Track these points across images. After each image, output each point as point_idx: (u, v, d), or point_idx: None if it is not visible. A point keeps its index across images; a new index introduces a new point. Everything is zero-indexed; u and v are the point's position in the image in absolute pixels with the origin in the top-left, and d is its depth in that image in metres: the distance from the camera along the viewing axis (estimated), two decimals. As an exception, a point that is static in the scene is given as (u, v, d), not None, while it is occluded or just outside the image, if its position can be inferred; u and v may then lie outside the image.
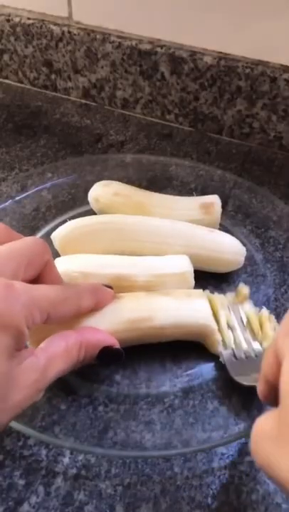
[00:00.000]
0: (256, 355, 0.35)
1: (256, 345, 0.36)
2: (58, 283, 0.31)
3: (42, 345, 0.27)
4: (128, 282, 0.37)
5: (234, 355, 0.35)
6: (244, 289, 0.39)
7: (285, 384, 0.20)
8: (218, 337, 0.35)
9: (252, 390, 0.31)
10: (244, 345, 0.36)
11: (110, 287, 0.34)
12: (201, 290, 0.38)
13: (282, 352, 0.22)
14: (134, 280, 0.37)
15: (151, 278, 0.37)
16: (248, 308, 0.38)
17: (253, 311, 0.38)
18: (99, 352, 0.30)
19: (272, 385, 0.23)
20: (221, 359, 0.35)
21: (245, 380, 0.33)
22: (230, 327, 0.37)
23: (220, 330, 0.36)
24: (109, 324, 0.33)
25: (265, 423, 0.21)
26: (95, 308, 0.32)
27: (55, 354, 0.27)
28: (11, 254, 0.27)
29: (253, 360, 0.35)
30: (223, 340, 0.36)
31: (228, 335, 0.36)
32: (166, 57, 0.59)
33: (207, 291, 0.38)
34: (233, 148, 0.62)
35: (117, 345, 0.31)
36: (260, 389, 0.26)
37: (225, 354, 0.35)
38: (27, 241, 0.29)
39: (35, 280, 0.29)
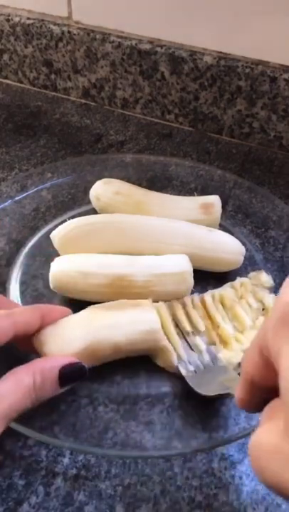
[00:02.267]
0: (213, 362, 0.35)
1: (212, 352, 0.36)
2: None
3: None
4: (127, 282, 0.37)
5: (192, 368, 0.35)
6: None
7: (288, 384, 0.17)
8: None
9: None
10: (204, 357, 0.35)
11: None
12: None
13: (274, 347, 0.18)
14: (133, 280, 0.37)
15: (151, 277, 0.37)
16: (261, 295, 0.39)
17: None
18: (59, 373, 0.29)
19: (259, 387, 0.20)
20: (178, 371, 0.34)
21: (208, 391, 0.32)
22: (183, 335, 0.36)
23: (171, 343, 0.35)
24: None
25: (266, 437, 0.17)
26: (44, 324, 0.32)
27: (2, 390, 0.27)
28: None
29: (211, 369, 0.34)
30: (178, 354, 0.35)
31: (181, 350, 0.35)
32: (166, 57, 0.59)
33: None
34: (233, 148, 0.62)
35: (77, 361, 0.30)
36: (240, 395, 0.22)
37: (182, 368, 0.34)
38: None
39: None
